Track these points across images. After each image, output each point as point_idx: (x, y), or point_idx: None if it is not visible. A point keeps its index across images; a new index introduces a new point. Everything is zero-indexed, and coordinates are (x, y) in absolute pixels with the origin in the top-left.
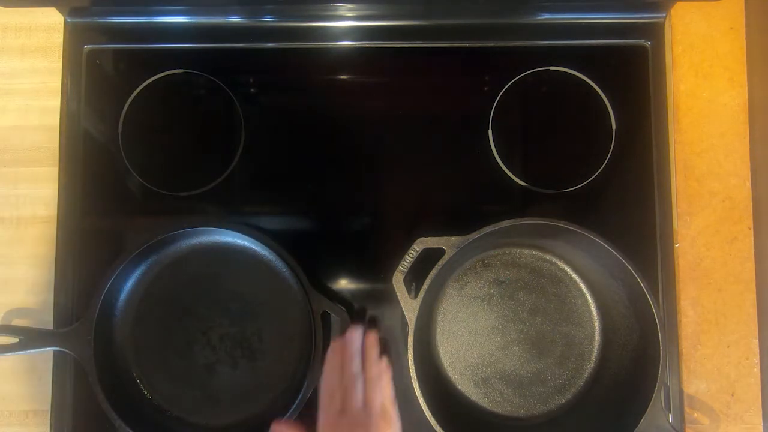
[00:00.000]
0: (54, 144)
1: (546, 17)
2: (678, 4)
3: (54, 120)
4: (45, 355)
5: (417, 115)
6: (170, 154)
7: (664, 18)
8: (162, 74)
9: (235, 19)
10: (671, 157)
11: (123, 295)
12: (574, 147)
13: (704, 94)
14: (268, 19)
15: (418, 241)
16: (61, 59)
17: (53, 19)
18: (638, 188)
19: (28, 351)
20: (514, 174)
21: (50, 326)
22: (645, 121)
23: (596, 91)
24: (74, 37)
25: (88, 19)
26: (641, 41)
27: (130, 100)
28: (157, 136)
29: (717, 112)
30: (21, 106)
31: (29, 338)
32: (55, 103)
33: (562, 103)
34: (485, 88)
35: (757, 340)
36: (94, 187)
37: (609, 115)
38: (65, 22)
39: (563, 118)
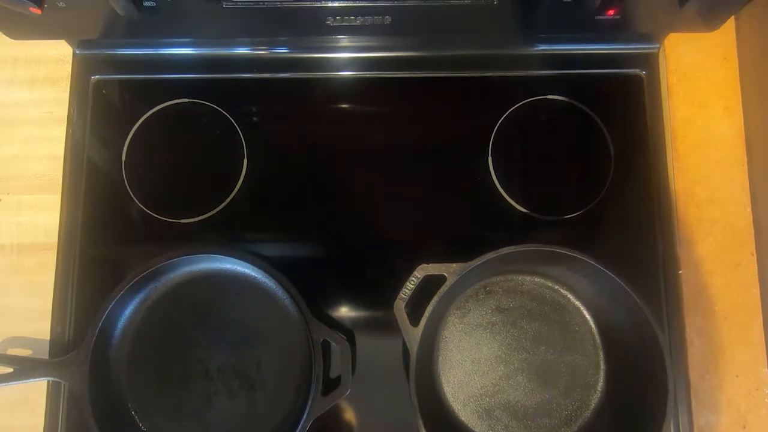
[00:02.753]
0: (58, 172)
1: (543, 48)
2: (671, 35)
3: (59, 149)
4: (39, 385)
5: (417, 143)
6: (173, 182)
7: (658, 49)
8: (166, 104)
9: (239, 51)
10: (671, 183)
11: (120, 323)
12: (574, 174)
13: (701, 122)
14: (271, 50)
15: (419, 268)
16: (68, 89)
17: (62, 51)
18: (639, 214)
19: (22, 381)
20: (514, 200)
21: (47, 356)
22: (643, 149)
23: (594, 119)
24: (82, 67)
25: (96, 51)
26: (636, 71)
27: (134, 128)
28: (160, 164)
29: (714, 140)
30: (27, 135)
31: (23, 368)
32: (60, 132)
33: (561, 130)
34: (484, 117)
35: (767, 370)
36: (96, 215)
37: (607, 142)
38: (74, 54)
39: (562, 146)
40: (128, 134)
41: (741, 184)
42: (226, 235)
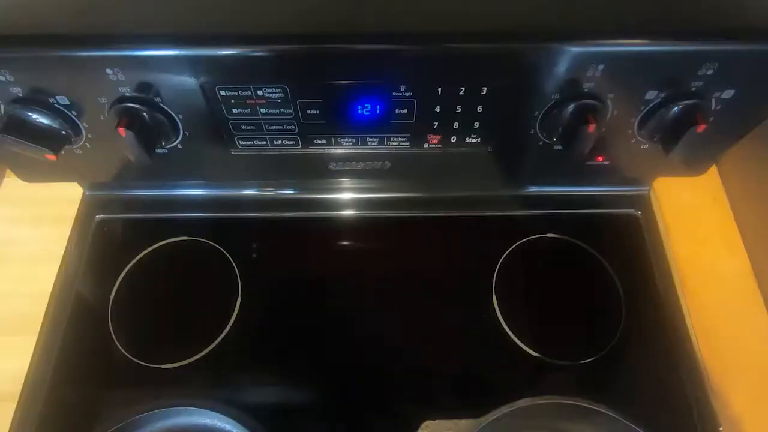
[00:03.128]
0: (39, 311)
1: (537, 190)
2: (660, 177)
3: (46, 286)
4: None
5: (419, 283)
6: (160, 323)
7: (648, 190)
8: (164, 242)
9: (245, 192)
10: (689, 326)
11: None
12: (584, 314)
13: (705, 261)
14: (274, 191)
15: (424, 425)
16: (70, 228)
17: (73, 191)
18: (661, 360)
19: None
20: (523, 343)
21: None
22: (651, 288)
23: (597, 257)
24: (89, 207)
25: (105, 192)
26: (631, 211)
27: (127, 267)
28: (149, 304)
29: (723, 278)
30: (18, 272)
31: None
32: (53, 269)
33: (565, 269)
34: (485, 255)
35: None
36: (72, 358)
37: (614, 281)
38: (83, 195)
39: (568, 285)
40: (121, 273)
41: (763, 324)
42: (212, 382)
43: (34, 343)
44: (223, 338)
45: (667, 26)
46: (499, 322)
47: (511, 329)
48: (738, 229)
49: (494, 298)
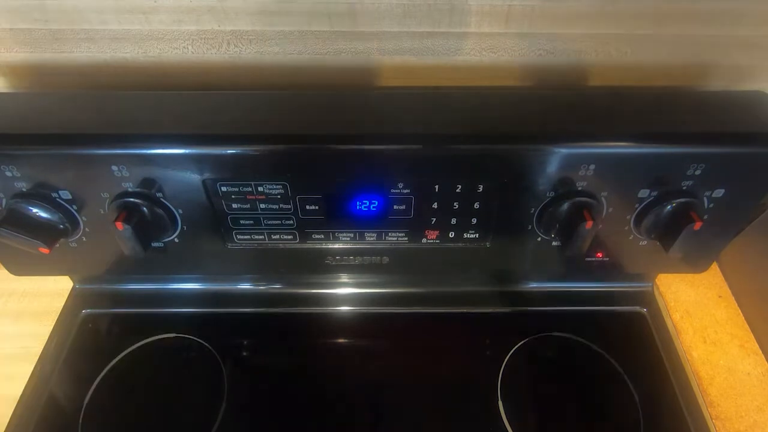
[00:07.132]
0: (4, 418)
1: (537, 286)
2: (662, 274)
3: (17, 389)
4: None
5: (419, 387)
6: (136, 428)
7: (651, 287)
8: (150, 339)
9: (239, 287)
10: None
11: None
12: (600, 425)
13: (721, 362)
14: (269, 286)
15: None
16: (53, 323)
17: (63, 285)
18: None
19: None
20: None
21: None
22: (669, 393)
23: (607, 359)
24: (76, 302)
25: (96, 286)
26: (637, 308)
27: (106, 369)
28: (125, 410)
29: (743, 382)
30: None
31: None
32: (26, 369)
33: (574, 371)
34: (488, 355)
35: None
36: None
37: (628, 386)
38: (73, 288)
39: (579, 390)
40: (98, 376)
41: None
42: None
43: None
44: None
45: (654, 128)
46: (507, 430)
47: None
48: (748, 326)
49: (500, 405)
